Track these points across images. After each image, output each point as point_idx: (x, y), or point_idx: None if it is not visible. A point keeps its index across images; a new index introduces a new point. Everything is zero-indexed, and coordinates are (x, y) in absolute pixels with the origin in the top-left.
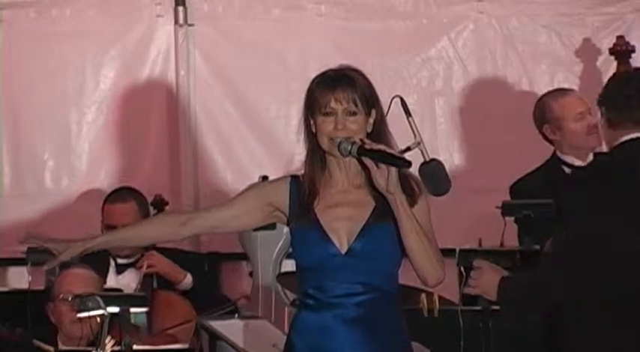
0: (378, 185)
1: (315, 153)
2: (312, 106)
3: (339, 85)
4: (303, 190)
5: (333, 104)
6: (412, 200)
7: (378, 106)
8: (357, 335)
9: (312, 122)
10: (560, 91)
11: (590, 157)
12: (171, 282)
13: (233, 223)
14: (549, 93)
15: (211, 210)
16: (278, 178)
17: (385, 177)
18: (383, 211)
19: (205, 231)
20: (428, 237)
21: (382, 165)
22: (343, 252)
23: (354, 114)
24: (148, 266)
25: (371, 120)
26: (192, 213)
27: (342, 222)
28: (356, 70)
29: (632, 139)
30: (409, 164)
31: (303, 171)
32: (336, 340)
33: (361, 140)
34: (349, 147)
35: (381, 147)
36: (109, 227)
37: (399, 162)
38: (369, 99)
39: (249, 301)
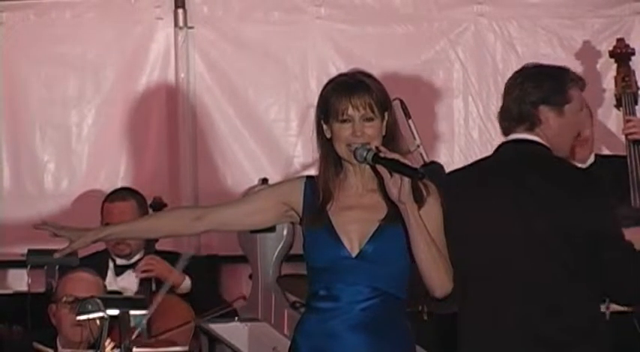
0: (390, 194)
1: (330, 158)
2: (328, 112)
3: (355, 92)
4: (318, 193)
5: (350, 111)
6: (420, 204)
7: (391, 109)
8: (362, 341)
9: (326, 127)
10: None
11: (592, 159)
12: (170, 286)
13: (246, 220)
14: None
15: (226, 205)
16: (293, 178)
17: (398, 187)
18: (396, 216)
19: (218, 227)
20: (437, 248)
21: (396, 175)
22: (354, 254)
23: (370, 119)
24: (146, 271)
25: (384, 124)
26: (206, 208)
27: (355, 224)
28: (369, 75)
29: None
30: (422, 175)
31: (316, 173)
32: (341, 345)
33: (377, 148)
34: (365, 154)
35: (396, 156)
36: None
37: (413, 173)
38: (383, 103)
39: (248, 302)
